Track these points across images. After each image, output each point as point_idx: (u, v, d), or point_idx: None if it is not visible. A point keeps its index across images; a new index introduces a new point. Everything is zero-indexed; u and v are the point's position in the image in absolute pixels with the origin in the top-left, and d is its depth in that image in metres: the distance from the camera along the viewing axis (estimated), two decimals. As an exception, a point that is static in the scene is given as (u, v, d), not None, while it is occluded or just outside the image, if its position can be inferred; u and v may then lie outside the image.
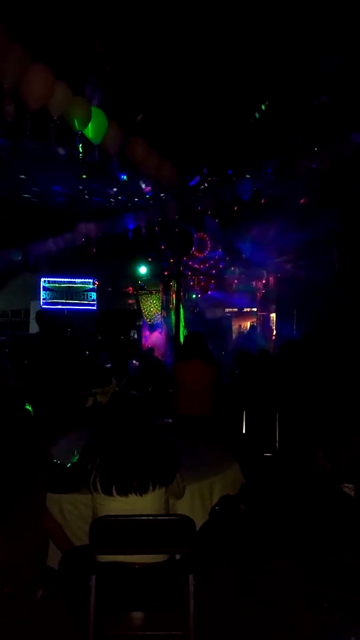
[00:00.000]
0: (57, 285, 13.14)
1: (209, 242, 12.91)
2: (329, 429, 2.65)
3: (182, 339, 8.47)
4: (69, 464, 2.95)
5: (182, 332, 9.23)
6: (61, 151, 7.12)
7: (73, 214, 11.15)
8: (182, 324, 9.41)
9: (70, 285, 13.18)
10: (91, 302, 13.25)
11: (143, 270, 13.41)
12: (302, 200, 9.16)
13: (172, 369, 5.41)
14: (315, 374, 5.83)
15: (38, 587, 2.70)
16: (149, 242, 11.07)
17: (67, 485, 2.83)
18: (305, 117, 7.46)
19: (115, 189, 10.08)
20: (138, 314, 13.44)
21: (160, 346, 12.24)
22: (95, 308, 13.22)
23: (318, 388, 5.47)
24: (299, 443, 4.99)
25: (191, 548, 2.35)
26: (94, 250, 11.07)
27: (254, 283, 13.20)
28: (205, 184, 9.18)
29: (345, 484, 2.46)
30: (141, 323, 13.32)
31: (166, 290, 13.16)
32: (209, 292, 13.63)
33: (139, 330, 13.15)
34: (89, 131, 5.76)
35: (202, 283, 13.87)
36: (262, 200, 8.49)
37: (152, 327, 13.27)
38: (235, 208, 9.06)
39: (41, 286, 13.07)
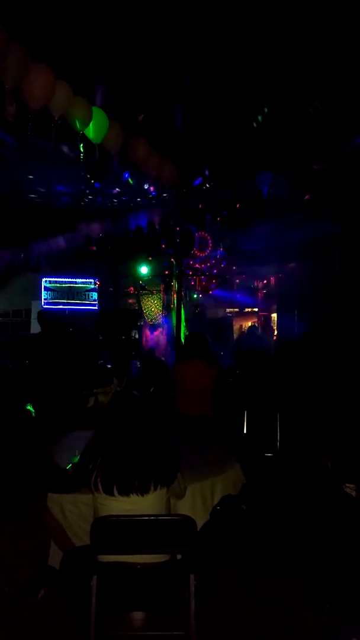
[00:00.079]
0: (58, 285, 13.15)
1: (210, 242, 12.90)
2: (330, 429, 2.65)
3: (182, 339, 8.47)
4: (70, 464, 2.95)
5: (183, 332, 9.22)
6: (64, 149, 7.11)
7: (75, 213, 11.15)
8: (182, 324, 9.40)
9: (72, 285, 13.19)
10: (92, 302, 13.25)
11: (144, 270, 13.42)
12: (306, 197, 9.15)
13: (172, 369, 5.40)
14: (317, 374, 5.83)
15: (39, 587, 2.71)
16: (149, 241, 11.08)
17: (69, 485, 2.83)
18: (306, 117, 7.46)
19: (117, 189, 10.08)
20: (139, 314, 13.44)
21: (162, 346, 12.24)
22: (96, 308, 13.23)
23: (319, 388, 5.47)
24: (300, 443, 4.99)
25: (192, 548, 2.35)
26: (94, 248, 11.08)
27: (255, 283, 13.19)
28: (207, 185, 9.18)
29: (347, 484, 2.47)
30: (142, 323, 13.32)
31: (167, 290, 13.16)
32: (210, 292, 13.63)
33: (140, 330, 13.15)
34: (90, 131, 5.77)
35: (204, 283, 13.87)
36: (265, 194, 8.47)
37: (153, 327, 13.26)
38: (238, 205, 9.06)
39: (42, 286, 13.08)
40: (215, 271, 13.48)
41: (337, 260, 10.18)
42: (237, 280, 13.23)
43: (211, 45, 6.60)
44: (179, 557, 2.54)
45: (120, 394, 3.21)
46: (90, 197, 10.53)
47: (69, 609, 2.57)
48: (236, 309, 13.89)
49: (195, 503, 3.04)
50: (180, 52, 6.61)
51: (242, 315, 14.00)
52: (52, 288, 13.12)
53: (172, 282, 12.09)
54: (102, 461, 2.53)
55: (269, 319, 13.48)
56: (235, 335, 13.38)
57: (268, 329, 13.28)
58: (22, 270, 12.68)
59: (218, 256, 13.10)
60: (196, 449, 3.72)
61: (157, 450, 2.59)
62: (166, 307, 13.30)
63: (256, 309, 13.81)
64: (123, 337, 12.47)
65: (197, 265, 13.36)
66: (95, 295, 13.26)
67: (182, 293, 8.96)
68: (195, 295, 13.39)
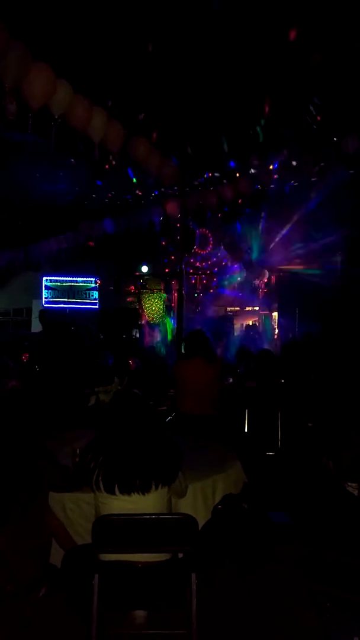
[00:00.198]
0: (59, 284, 13.15)
1: (211, 240, 12.90)
2: (332, 428, 2.65)
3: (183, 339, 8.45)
4: (72, 463, 2.95)
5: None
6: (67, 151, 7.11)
7: (76, 213, 11.15)
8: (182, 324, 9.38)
9: (72, 284, 13.19)
10: (93, 300, 13.26)
11: (144, 268, 13.41)
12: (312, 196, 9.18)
13: (173, 368, 5.40)
14: (317, 374, 5.83)
15: (41, 586, 2.71)
16: (150, 239, 11.07)
17: (70, 484, 2.83)
18: (306, 118, 7.46)
19: (116, 191, 10.08)
20: (140, 312, 13.44)
21: (162, 345, 12.23)
22: (97, 307, 13.23)
23: (320, 387, 5.47)
24: (301, 442, 4.99)
25: (194, 547, 2.35)
26: (93, 244, 11.07)
27: (256, 282, 13.18)
28: (208, 184, 9.18)
29: (349, 483, 2.47)
30: (143, 321, 13.32)
31: (167, 289, 13.16)
32: (211, 291, 13.63)
33: (141, 329, 13.15)
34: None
35: (204, 281, 13.87)
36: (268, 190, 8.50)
37: (154, 326, 13.26)
38: (240, 201, 9.07)
39: (43, 285, 13.08)
40: (216, 270, 13.49)
41: (340, 259, 10.19)
42: (238, 279, 13.23)
43: (211, 45, 6.59)
44: (180, 556, 2.54)
45: (121, 393, 3.20)
46: (94, 196, 10.52)
47: (71, 608, 2.57)
48: (237, 308, 13.89)
49: (197, 502, 3.04)
50: (181, 52, 6.60)
51: (243, 314, 13.98)
52: (53, 287, 13.13)
53: (173, 280, 12.10)
54: (104, 460, 2.53)
55: (270, 317, 13.47)
56: (236, 334, 13.37)
57: (269, 327, 13.28)
58: (23, 268, 12.69)
59: (219, 254, 13.10)
60: (197, 448, 3.71)
61: (158, 449, 2.59)
62: (167, 306, 13.31)
63: (257, 308, 13.80)
64: (124, 336, 12.46)
65: (197, 264, 13.37)
66: (95, 294, 13.26)
67: (183, 292, 8.94)
68: (195, 294, 13.41)
